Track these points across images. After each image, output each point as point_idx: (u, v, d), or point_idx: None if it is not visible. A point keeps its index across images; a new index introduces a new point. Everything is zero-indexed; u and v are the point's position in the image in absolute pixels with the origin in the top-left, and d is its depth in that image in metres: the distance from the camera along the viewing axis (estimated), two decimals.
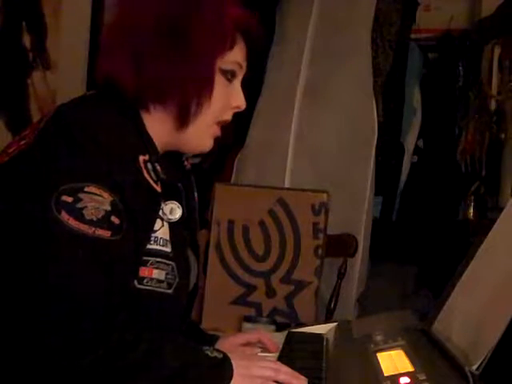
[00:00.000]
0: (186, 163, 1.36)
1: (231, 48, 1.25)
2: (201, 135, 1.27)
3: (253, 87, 2.95)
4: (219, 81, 1.25)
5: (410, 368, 1.05)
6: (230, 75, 1.27)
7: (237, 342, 1.42)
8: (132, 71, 1.20)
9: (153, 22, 1.20)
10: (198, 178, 1.39)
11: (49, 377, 1.00)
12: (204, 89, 1.22)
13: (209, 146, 1.29)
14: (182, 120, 1.23)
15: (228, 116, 1.29)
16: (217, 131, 1.29)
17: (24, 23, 3.11)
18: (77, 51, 3.15)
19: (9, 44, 3.07)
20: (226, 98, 1.27)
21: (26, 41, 3.11)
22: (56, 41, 3.18)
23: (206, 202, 2.49)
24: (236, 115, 1.32)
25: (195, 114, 1.23)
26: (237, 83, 1.29)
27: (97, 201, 1.07)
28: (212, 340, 1.42)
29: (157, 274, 1.17)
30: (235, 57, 1.27)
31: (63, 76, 3.14)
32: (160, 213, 1.19)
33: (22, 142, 1.16)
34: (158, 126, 1.23)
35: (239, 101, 1.29)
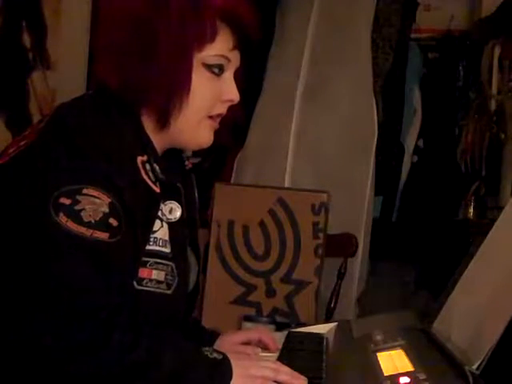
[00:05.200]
0: (186, 163, 1.34)
1: (212, 40, 1.20)
2: (193, 131, 1.23)
3: (253, 87, 2.95)
4: (202, 76, 1.21)
5: (409, 368, 1.04)
6: (216, 69, 1.22)
7: (237, 340, 1.41)
8: (112, 73, 1.19)
9: (124, 23, 1.19)
10: (198, 177, 1.38)
11: (48, 378, 1.00)
12: (179, 87, 1.18)
13: (208, 141, 1.26)
14: (162, 119, 1.20)
15: (221, 110, 1.25)
16: (213, 124, 1.25)
17: (24, 23, 3.10)
18: (77, 51, 3.14)
19: (9, 44, 3.07)
20: (215, 93, 1.23)
21: (26, 41, 3.11)
22: (56, 41, 3.17)
23: (206, 202, 2.49)
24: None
25: (175, 112, 1.19)
26: (227, 76, 1.24)
27: (95, 203, 1.07)
28: (212, 337, 1.42)
29: (156, 274, 1.17)
30: (219, 49, 1.21)
31: (63, 76, 3.14)
32: (159, 213, 1.18)
33: (22, 143, 1.16)
34: (148, 125, 1.21)
35: (231, 94, 1.25)
